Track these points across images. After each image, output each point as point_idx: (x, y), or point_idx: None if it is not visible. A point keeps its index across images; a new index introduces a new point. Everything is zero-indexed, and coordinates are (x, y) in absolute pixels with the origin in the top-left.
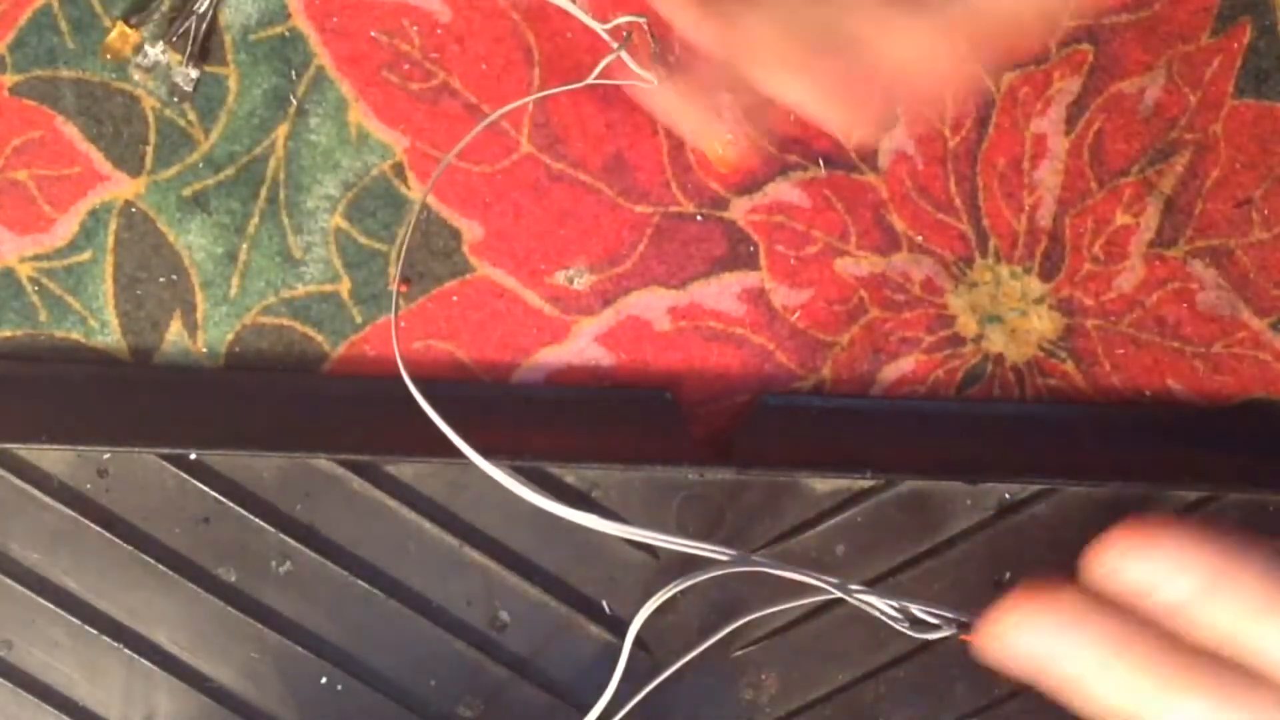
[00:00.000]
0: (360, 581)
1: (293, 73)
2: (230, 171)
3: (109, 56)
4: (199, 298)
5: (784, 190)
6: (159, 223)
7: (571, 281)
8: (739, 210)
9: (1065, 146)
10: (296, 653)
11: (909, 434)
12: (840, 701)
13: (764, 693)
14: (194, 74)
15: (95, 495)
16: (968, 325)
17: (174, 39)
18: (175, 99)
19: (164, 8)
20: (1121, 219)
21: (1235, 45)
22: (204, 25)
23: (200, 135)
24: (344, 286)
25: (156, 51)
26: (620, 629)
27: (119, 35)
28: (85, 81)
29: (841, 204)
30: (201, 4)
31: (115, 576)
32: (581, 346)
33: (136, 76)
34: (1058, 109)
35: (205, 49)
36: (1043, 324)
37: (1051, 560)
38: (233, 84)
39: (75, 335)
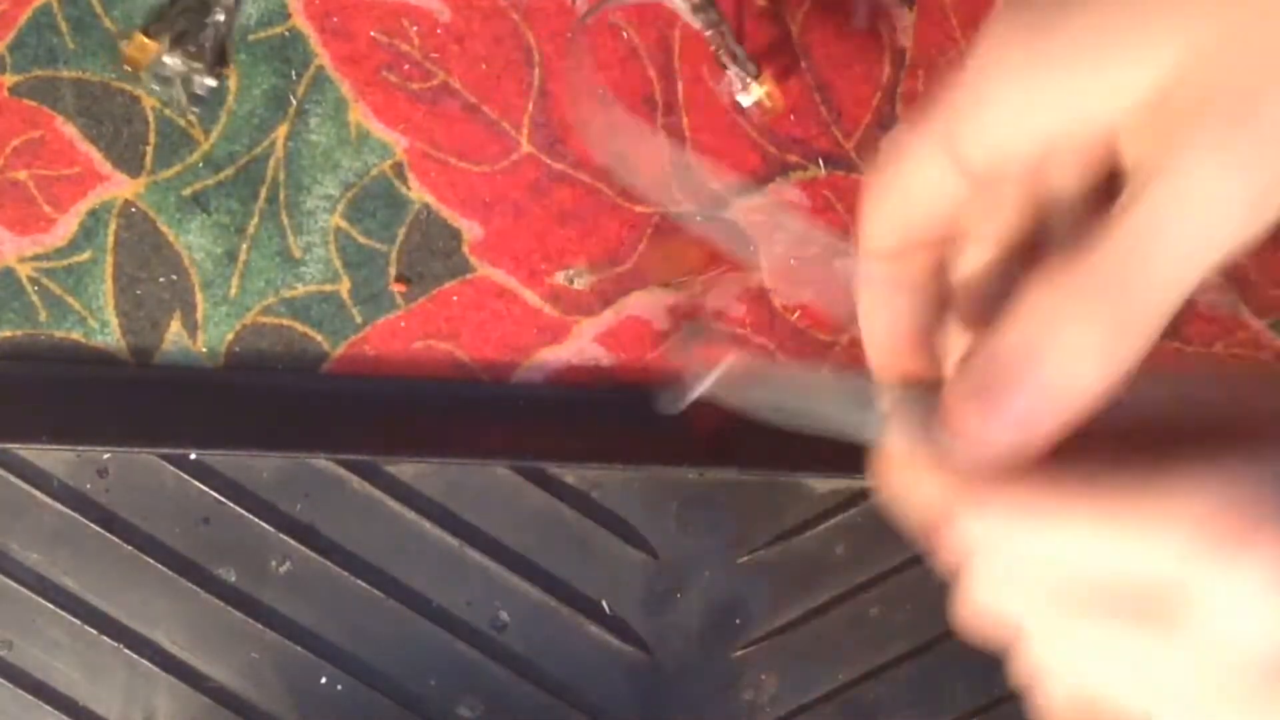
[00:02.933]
0: (360, 581)
1: (293, 73)
2: (230, 171)
3: (128, 68)
4: (199, 298)
5: (784, 190)
6: (159, 223)
7: (571, 281)
8: (739, 210)
9: None
10: (296, 653)
11: None
12: (840, 701)
13: (764, 693)
14: (211, 82)
15: (95, 495)
16: None
17: (192, 49)
18: (192, 106)
19: (180, 19)
20: None
21: None
22: (220, 35)
23: (200, 135)
24: (344, 286)
25: (175, 61)
26: (621, 629)
27: (138, 46)
28: (85, 81)
29: (841, 204)
30: (218, 14)
31: (115, 576)
32: (581, 346)
33: (155, 87)
34: None
35: (221, 57)
36: None
37: None
38: (233, 84)
39: (75, 335)
